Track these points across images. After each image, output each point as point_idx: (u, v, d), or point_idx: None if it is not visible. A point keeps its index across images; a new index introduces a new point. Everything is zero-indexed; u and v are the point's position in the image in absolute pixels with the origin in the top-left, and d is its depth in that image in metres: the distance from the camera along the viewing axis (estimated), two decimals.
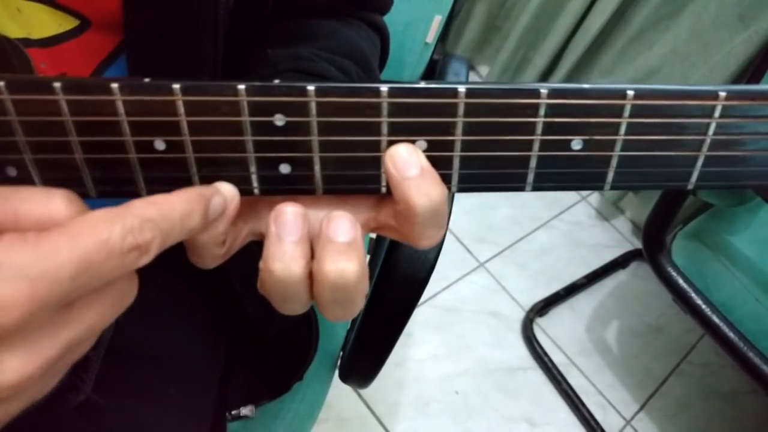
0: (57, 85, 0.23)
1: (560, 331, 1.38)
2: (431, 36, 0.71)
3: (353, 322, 0.70)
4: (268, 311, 0.47)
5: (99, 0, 0.32)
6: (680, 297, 0.96)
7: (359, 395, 1.15)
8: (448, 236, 0.50)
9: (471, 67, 1.46)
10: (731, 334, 0.92)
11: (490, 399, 1.23)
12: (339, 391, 0.67)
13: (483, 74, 1.80)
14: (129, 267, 0.21)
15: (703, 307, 0.95)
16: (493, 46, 1.78)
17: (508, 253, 1.48)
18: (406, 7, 0.68)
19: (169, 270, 0.39)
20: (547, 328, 1.37)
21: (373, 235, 0.85)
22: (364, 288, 0.26)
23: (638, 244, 1.61)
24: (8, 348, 0.19)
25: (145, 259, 0.21)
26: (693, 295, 0.95)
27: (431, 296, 1.34)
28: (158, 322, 0.48)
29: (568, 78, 1.61)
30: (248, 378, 0.56)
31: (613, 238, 1.62)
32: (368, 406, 1.15)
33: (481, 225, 1.51)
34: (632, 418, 1.29)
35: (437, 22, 0.70)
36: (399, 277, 0.50)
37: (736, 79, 1.32)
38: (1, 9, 0.30)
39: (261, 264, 0.25)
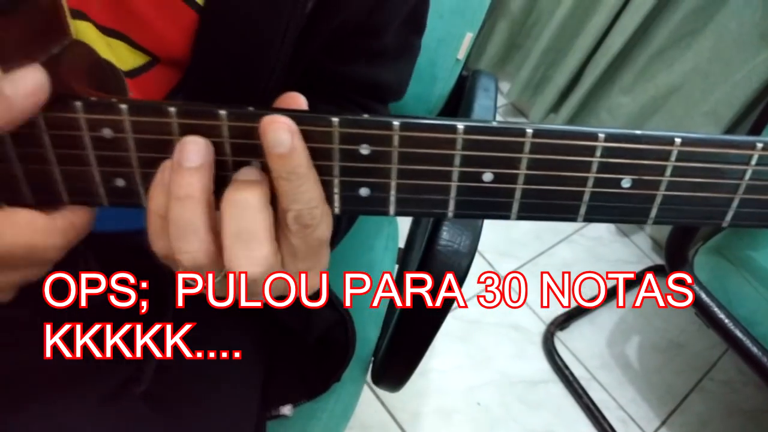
0: (172, 110, 0.26)
1: (581, 344, 1.39)
2: (462, 52, 0.74)
3: (386, 325, 0.72)
4: (308, 321, 0.51)
5: (169, 44, 0.38)
6: (703, 311, 0.97)
7: (382, 403, 1.17)
8: None
9: None
10: (754, 349, 0.92)
11: (511, 411, 1.24)
12: (362, 398, 0.69)
13: (504, 91, 1.82)
14: None
15: (726, 321, 0.95)
16: (514, 63, 1.81)
17: (530, 267, 1.50)
18: (438, 24, 0.71)
19: None
20: (567, 342, 1.38)
21: (402, 245, 0.87)
22: (266, 221, 0.27)
23: (658, 260, 1.62)
24: None
25: None
26: (716, 309, 0.96)
27: (454, 307, 1.35)
28: (209, 329, 0.51)
29: (587, 95, 1.64)
30: (288, 378, 0.58)
31: (634, 254, 1.63)
32: (391, 414, 1.16)
33: (502, 239, 1.53)
34: None
35: (468, 39, 0.72)
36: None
37: (757, 98, 1.33)
38: (101, 43, 0.35)
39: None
